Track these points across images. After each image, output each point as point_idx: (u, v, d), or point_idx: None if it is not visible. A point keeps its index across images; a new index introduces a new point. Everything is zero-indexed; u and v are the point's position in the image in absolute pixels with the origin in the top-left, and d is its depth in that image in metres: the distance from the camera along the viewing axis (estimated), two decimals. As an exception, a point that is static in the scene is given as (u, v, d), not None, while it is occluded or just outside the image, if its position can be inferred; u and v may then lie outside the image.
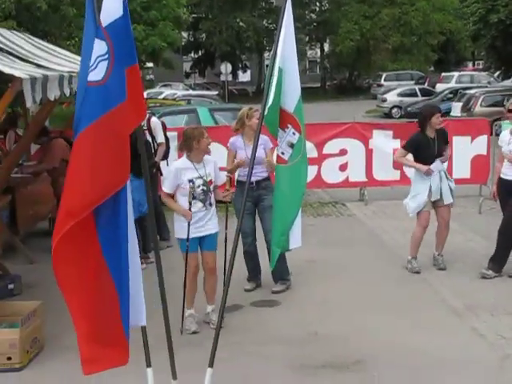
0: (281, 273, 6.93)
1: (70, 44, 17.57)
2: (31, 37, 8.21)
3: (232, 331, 5.79)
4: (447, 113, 22.84)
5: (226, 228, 6.24)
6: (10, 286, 7.02)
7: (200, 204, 5.97)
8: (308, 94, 47.82)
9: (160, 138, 8.97)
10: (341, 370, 5.15)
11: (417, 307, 6.39)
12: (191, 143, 5.93)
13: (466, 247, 7.77)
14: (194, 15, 47.61)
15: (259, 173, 6.72)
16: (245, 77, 61.79)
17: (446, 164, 7.91)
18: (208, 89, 44.01)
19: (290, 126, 5.32)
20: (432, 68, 53.33)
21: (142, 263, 7.81)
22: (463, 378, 5.00)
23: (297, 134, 5.35)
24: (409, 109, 30.43)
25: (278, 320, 6.22)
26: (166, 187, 6.11)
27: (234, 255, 4.54)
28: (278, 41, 4.83)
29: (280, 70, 5.00)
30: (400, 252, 8.27)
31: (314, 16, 55.65)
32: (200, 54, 57.86)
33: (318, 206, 11.32)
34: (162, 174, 9.25)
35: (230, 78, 46.45)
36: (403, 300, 6.59)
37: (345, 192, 11.67)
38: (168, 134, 10.54)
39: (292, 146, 5.37)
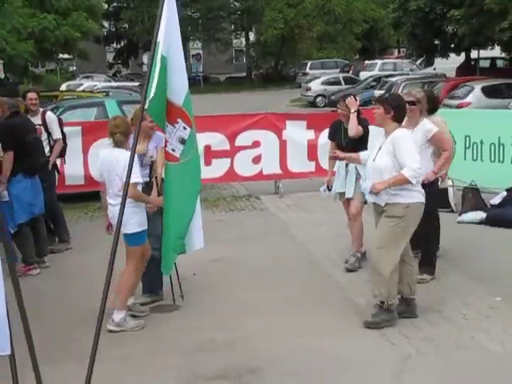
0: (153, 284, 6.32)
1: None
2: None
3: (122, 341, 5.39)
4: (370, 101, 22.78)
5: None
6: None
7: None
8: (234, 84, 47.67)
9: (56, 134, 8.39)
10: (234, 380, 4.81)
11: (321, 307, 6.10)
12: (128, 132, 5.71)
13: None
14: (114, 4, 46.45)
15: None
16: (170, 67, 61.02)
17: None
18: (132, 80, 43.09)
19: (180, 120, 4.99)
20: (357, 56, 53.82)
21: (35, 268, 7.40)
22: (366, 379, 4.80)
23: (188, 129, 5.02)
24: (332, 97, 30.34)
25: (174, 327, 5.81)
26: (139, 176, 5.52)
27: (114, 253, 4.11)
28: (158, 27, 4.52)
29: (163, 58, 4.68)
30: (309, 247, 8.05)
31: (237, 4, 55.23)
32: (122, 44, 56.68)
33: (231, 199, 10.97)
34: (59, 172, 8.73)
35: (153, 68, 45.57)
36: (308, 300, 6.29)
37: (261, 185, 11.36)
38: (72, 128, 10.04)
39: (183, 141, 5.03)
